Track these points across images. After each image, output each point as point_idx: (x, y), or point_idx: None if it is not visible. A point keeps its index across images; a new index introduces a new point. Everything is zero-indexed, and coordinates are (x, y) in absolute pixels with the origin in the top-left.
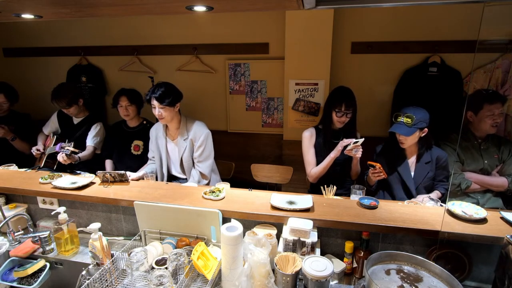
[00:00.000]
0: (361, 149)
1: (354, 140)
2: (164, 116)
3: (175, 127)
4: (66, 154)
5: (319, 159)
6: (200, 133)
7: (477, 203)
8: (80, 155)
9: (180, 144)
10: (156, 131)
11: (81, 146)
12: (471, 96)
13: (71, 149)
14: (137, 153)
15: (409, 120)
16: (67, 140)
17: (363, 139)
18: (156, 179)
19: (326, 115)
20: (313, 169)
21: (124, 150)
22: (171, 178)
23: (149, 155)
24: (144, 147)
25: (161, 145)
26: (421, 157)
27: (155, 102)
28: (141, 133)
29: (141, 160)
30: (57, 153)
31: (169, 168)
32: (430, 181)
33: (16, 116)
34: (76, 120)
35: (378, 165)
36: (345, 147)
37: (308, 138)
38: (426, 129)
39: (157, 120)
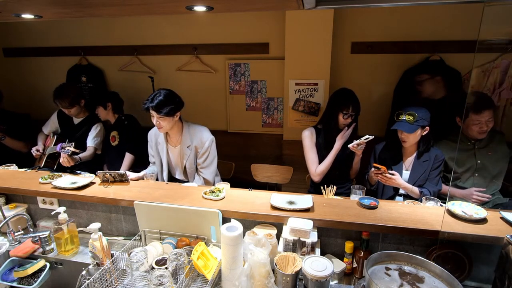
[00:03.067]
0: (364, 146)
1: (366, 136)
2: (162, 125)
3: (176, 134)
4: (67, 155)
5: (319, 159)
6: (205, 139)
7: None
8: (80, 155)
9: (184, 152)
10: (155, 136)
11: (81, 146)
12: (460, 100)
13: (72, 149)
14: (114, 143)
15: (411, 117)
16: (67, 140)
17: (373, 136)
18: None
19: (330, 116)
20: (318, 167)
21: (107, 144)
22: (173, 181)
23: (150, 159)
24: (120, 137)
25: (161, 151)
26: (420, 156)
27: (152, 112)
28: (116, 125)
29: (118, 150)
30: (57, 153)
31: (171, 172)
32: (425, 180)
33: (7, 115)
34: (76, 121)
35: (383, 168)
36: (349, 142)
37: (309, 137)
38: (427, 127)
39: None
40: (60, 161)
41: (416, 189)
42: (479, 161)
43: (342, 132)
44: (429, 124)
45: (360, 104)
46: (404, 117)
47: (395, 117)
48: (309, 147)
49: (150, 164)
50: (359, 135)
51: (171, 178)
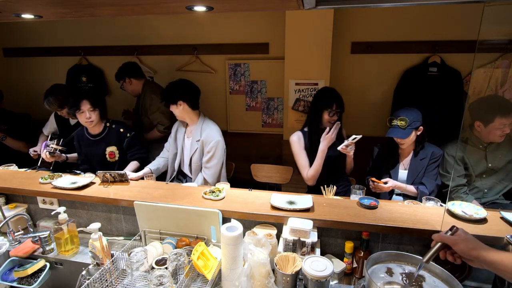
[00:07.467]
0: (354, 147)
1: (353, 136)
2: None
3: (192, 126)
4: (49, 152)
5: (311, 161)
6: (210, 138)
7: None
8: (69, 155)
9: (192, 144)
10: (178, 125)
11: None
12: (480, 104)
13: (55, 146)
14: (113, 160)
15: (403, 122)
16: (61, 140)
17: (360, 136)
18: (166, 172)
19: (315, 116)
20: (308, 171)
21: (100, 160)
22: (181, 174)
23: (164, 150)
24: (120, 152)
25: (179, 140)
26: (417, 154)
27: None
28: (110, 137)
29: (118, 164)
30: (50, 152)
31: (180, 164)
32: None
33: (7, 115)
34: (72, 122)
35: (374, 181)
36: (337, 143)
37: (297, 142)
38: (421, 127)
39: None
40: (41, 155)
41: (410, 187)
42: (490, 165)
43: (325, 132)
44: (422, 124)
45: (343, 101)
46: (396, 122)
47: (387, 122)
48: (298, 152)
49: (158, 157)
50: (347, 134)
51: (179, 170)
